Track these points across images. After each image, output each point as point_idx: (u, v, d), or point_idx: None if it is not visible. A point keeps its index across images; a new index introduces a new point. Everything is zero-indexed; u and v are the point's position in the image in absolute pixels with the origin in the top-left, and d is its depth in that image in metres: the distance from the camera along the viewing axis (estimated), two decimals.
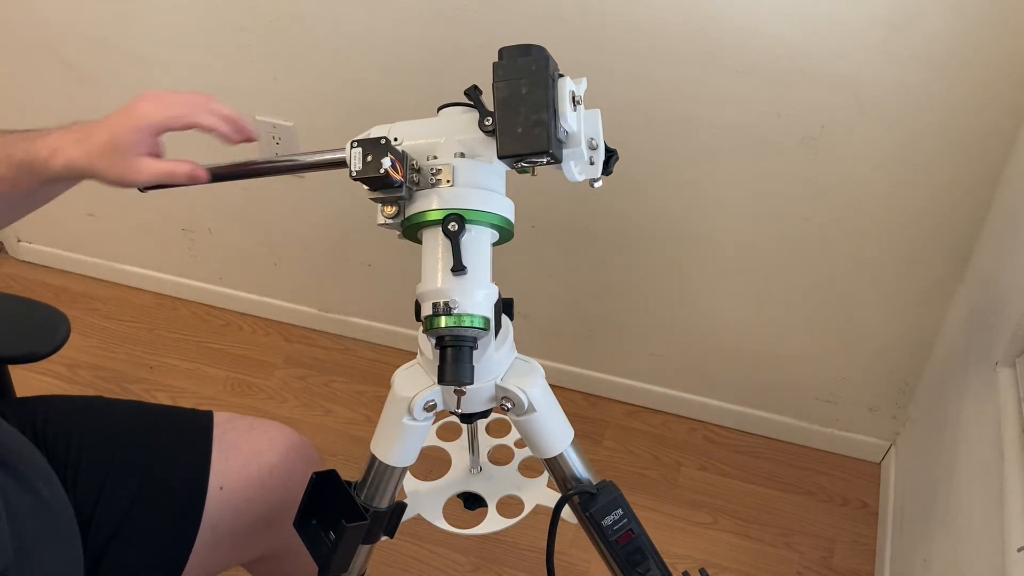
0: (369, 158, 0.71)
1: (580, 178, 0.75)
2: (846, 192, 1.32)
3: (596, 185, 0.77)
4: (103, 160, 0.77)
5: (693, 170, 1.38)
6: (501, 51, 0.71)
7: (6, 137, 0.81)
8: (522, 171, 0.75)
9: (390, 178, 0.72)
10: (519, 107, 0.69)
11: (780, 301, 1.51)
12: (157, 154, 0.79)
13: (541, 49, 0.70)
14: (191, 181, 0.80)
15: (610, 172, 0.77)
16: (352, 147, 0.72)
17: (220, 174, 0.83)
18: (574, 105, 0.71)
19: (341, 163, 0.79)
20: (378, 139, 0.72)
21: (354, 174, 0.72)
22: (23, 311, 0.96)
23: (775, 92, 1.24)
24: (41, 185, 0.80)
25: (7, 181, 0.80)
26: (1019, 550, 0.80)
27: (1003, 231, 1.18)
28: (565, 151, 0.72)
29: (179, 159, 0.79)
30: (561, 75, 0.71)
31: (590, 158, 0.74)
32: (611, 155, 0.77)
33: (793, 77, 1.21)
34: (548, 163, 0.71)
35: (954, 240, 1.32)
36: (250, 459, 0.95)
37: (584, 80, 0.74)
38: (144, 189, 0.83)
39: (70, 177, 0.80)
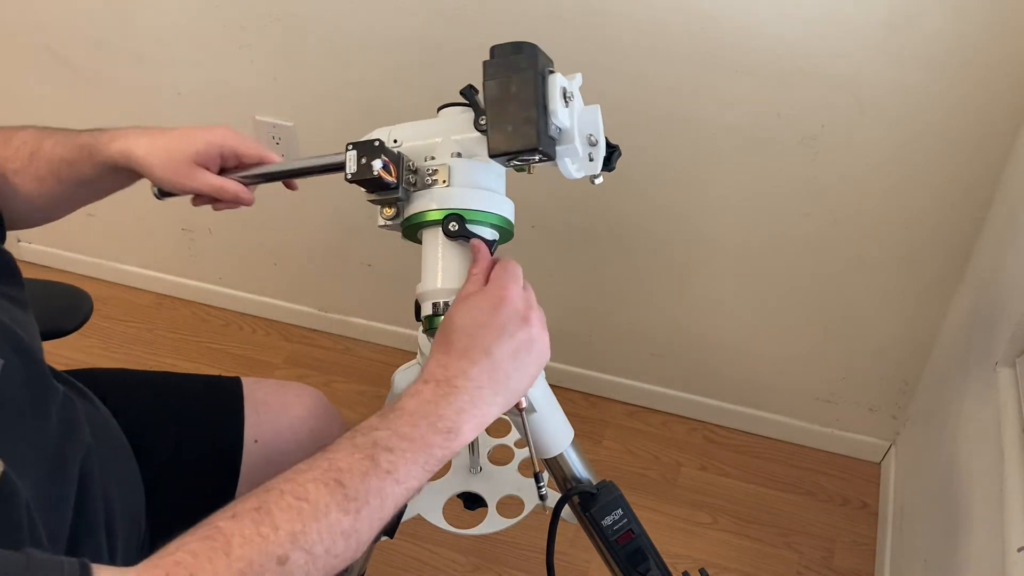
0: (363, 160, 0.71)
1: (578, 175, 0.75)
2: (846, 192, 1.32)
3: (596, 182, 0.76)
4: (161, 156, 0.81)
5: (693, 170, 1.38)
6: (492, 49, 0.71)
7: (80, 130, 0.85)
8: (519, 169, 0.74)
9: (383, 180, 0.72)
10: (508, 105, 0.69)
11: (780, 301, 1.51)
12: (211, 170, 0.83)
13: (532, 46, 0.70)
14: (236, 202, 0.85)
15: (612, 168, 0.77)
16: (348, 149, 0.72)
17: (261, 179, 0.87)
18: (565, 101, 0.70)
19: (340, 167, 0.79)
20: (371, 141, 0.72)
21: (349, 176, 0.72)
22: (45, 291, 0.98)
23: (775, 92, 1.24)
24: (97, 170, 0.83)
25: (67, 162, 0.83)
26: (1019, 550, 0.80)
27: (1003, 231, 1.18)
28: (559, 148, 0.71)
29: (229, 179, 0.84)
30: (552, 71, 0.70)
31: (588, 154, 0.73)
32: (613, 151, 0.76)
33: (793, 77, 1.21)
34: (540, 160, 0.71)
35: (954, 240, 1.32)
36: (280, 414, 0.99)
37: (579, 76, 0.73)
38: (162, 196, 0.86)
39: (124, 166, 0.82)
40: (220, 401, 0.99)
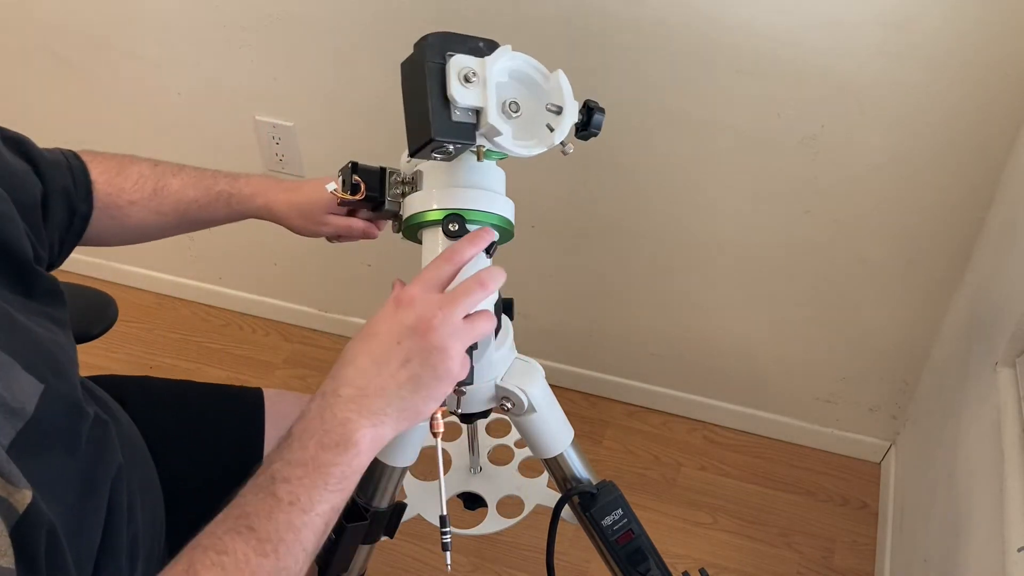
0: (343, 181, 0.80)
1: (534, 151, 0.71)
2: (846, 192, 1.32)
3: (568, 150, 0.72)
4: (298, 211, 0.91)
5: (693, 170, 1.38)
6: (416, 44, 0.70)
7: (205, 171, 0.91)
8: (486, 157, 0.72)
9: (349, 200, 0.80)
10: (410, 103, 0.68)
11: (780, 301, 1.51)
12: (337, 213, 0.91)
13: (430, 36, 0.68)
14: (364, 236, 0.92)
15: (595, 132, 0.73)
16: (336, 178, 0.81)
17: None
18: (465, 81, 0.67)
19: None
20: (347, 164, 0.79)
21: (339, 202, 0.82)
22: (70, 295, 0.99)
23: (775, 92, 1.24)
24: (231, 216, 0.91)
25: (199, 204, 0.89)
26: (1019, 550, 0.80)
27: (1003, 231, 1.18)
28: (480, 131, 0.68)
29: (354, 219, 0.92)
30: (452, 54, 0.68)
31: (548, 124, 0.70)
32: (591, 113, 0.73)
33: (793, 77, 1.21)
34: (461, 148, 0.68)
35: (954, 240, 1.32)
36: None
37: (504, 49, 0.70)
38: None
39: (261, 217, 0.92)
40: (242, 415, 0.98)
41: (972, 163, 1.22)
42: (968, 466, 1.09)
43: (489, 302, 0.69)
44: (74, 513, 0.61)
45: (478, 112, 0.68)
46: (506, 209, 0.76)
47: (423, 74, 0.66)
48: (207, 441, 0.94)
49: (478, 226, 0.74)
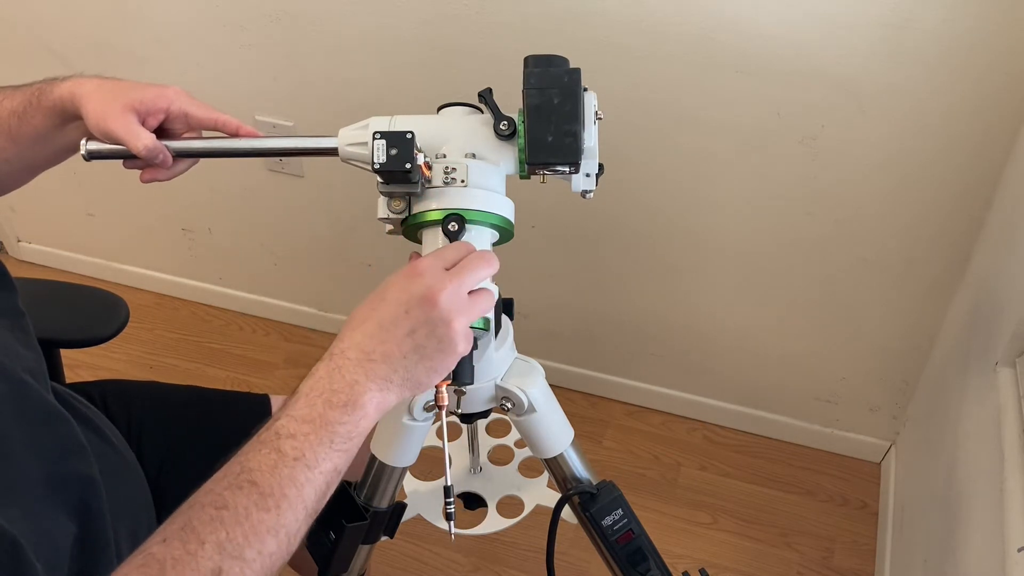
0: (394, 151, 0.70)
1: (581, 188, 0.77)
2: (846, 192, 1.32)
3: (589, 196, 0.79)
4: (103, 95, 0.78)
5: (693, 170, 1.38)
6: (528, 59, 0.73)
7: (38, 85, 0.82)
8: (524, 176, 0.76)
9: (418, 174, 0.71)
10: (550, 116, 0.71)
11: (780, 301, 1.51)
12: (146, 125, 0.79)
13: (564, 59, 0.73)
14: (149, 158, 0.78)
15: (596, 184, 0.79)
16: (375, 138, 0.70)
17: (196, 152, 0.82)
18: (595, 120, 0.73)
19: (330, 152, 0.79)
20: (403, 133, 0.70)
21: (377, 165, 0.70)
22: (81, 297, 0.98)
23: (775, 92, 1.24)
24: (47, 118, 0.79)
25: (16, 114, 0.80)
26: (1019, 550, 0.80)
27: (1003, 231, 1.18)
28: (581, 163, 0.74)
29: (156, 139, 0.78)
30: (586, 89, 0.73)
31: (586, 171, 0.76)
32: (600, 167, 0.79)
33: (793, 77, 1.21)
34: (569, 172, 0.74)
35: (954, 240, 1.32)
36: None
37: (594, 95, 0.75)
38: (90, 157, 0.80)
39: (72, 110, 0.79)
40: (247, 423, 0.97)
41: (972, 163, 1.22)
42: (968, 466, 1.09)
43: (491, 285, 0.71)
44: (38, 520, 0.60)
45: (586, 147, 0.73)
46: (506, 209, 0.76)
47: (577, 96, 0.71)
48: (212, 449, 0.91)
49: (478, 226, 0.74)
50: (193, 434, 0.93)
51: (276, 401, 1.00)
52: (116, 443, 0.84)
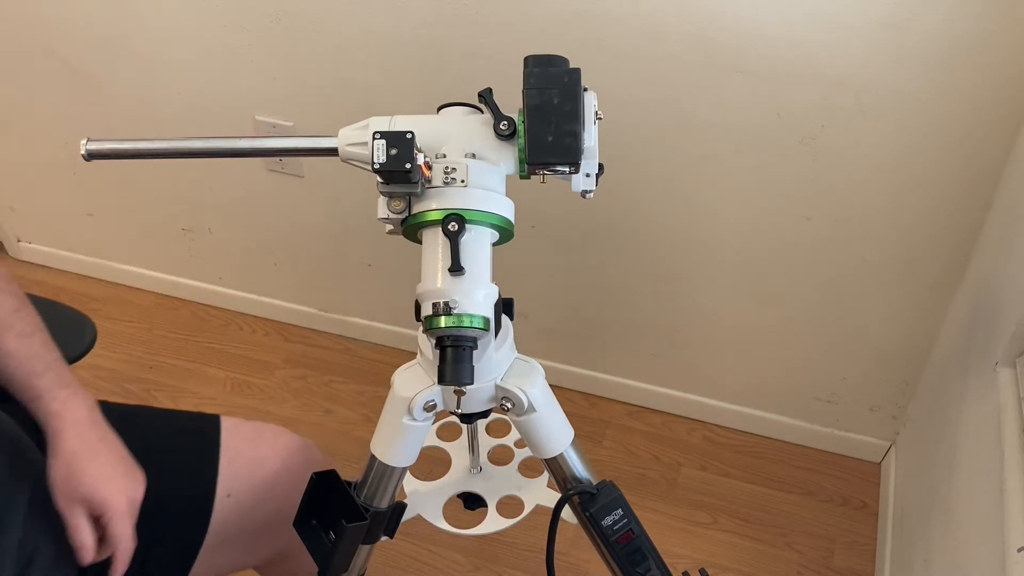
0: (394, 151, 0.70)
1: (581, 188, 0.78)
2: (846, 192, 1.32)
3: (589, 196, 0.78)
4: (73, 464, 0.78)
5: (693, 170, 1.38)
6: (528, 59, 0.72)
7: (46, 354, 0.83)
8: (524, 177, 0.76)
9: (418, 174, 0.71)
10: (550, 116, 0.71)
11: (780, 301, 1.51)
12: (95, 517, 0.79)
13: (564, 59, 0.72)
14: (80, 557, 0.79)
15: (596, 184, 0.80)
16: (375, 138, 0.70)
17: (196, 152, 0.80)
18: (595, 120, 0.73)
19: (330, 152, 0.78)
20: (403, 133, 0.70)
21: (377, 165, 0.70)
22: (46, 314, 0.96)
23: (775, 92, 1.24)
24: (29, 401, 0.81)
25: (6, 374, 0.81)
26: (1019, 550, 0.80)
27: (1003, 231, 1.18)
28: (581, 163, 0.74)
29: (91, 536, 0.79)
30: (586, 89, 0.72)
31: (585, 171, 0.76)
32: (600, 168, 0.79)
33: (793, 77, 1.21)
34: (569, 172, 0.74)
35: (954, 240, 1.32)
36: (256, 466, 0.96)
37: (594, 95, 0.75)
38: (89, 158, 0.79)
39: (45, 426, 0.80)
40: (196, 448, 0.95)
41: (972, 163, 1.22)
42: (968, 466, 1.09)
43: (492, 285, 0.74)
44: None
45: (586, 147, 0.73)
46: (506, 209, 0.76)
47: (577, 96, 0.71)
48: (159, 475, 0.87)
49: (478, 226, 0.74)
50: (139, 459, 0.87)
51: (226, 423, 0.97)
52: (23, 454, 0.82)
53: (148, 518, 0.86)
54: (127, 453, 0.83)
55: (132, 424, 0.93)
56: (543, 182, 0.77)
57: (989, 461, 0.97)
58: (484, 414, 0.86)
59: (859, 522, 1.60)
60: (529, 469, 1.02)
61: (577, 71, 0.72)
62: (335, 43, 1.43)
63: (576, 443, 0.88)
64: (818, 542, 1.56)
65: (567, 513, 0.91)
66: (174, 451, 0.95)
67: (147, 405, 1.01)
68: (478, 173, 0.74)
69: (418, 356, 0.85)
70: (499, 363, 0.81)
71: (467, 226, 0.73)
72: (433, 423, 0.98)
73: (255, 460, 0.96)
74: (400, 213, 0.75)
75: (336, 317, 1.92)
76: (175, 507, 0.91)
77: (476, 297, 0.73)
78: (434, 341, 0.75)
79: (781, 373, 1.63)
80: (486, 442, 1.05)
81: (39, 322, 0.85)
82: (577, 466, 0.89)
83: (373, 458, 0.87)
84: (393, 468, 0.87)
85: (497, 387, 0.82)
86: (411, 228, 0.76)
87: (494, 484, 1.01)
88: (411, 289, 0.75)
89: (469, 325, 0.71)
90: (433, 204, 0.74)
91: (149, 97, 1.64)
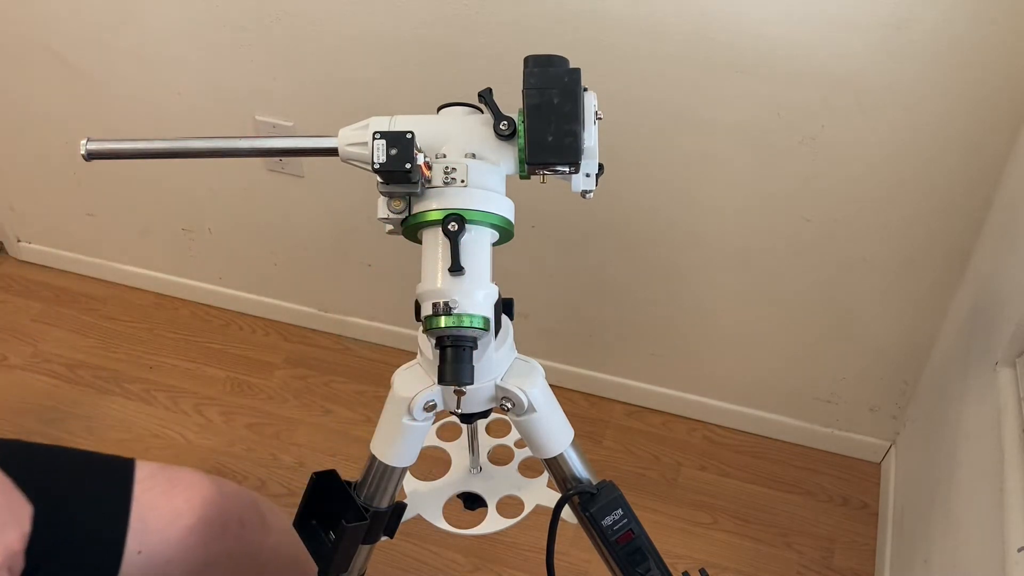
0: (394, 151, 0.70)
1: (581, 188, 0.78)
2: (846, 192, 1.32)
3: (589, 196, 0.78)
4: None
5: (693, 170, 1.38)
6: (527, 59, 0.72)
7: None
8: (524, 177, 0.75)
9: (418, 174, 0.71)
10: (550, 116, 0.71)
11: (780, 301, 1.51)
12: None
13: (564, 59, 0.72)
14: None
15: (596, 184, 0.80)
16: (375, 138, 0.70)
17: (196, 152, 0.79)
18: (595, 120, 0.73)
19: (330, 152, 0.78)
20: (403, 133, 0.70)
21: (377, 165, 0.70)
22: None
23: (775, 92, 1.24)
24: None
25: None
26: (1019, 550, 0.80)
27: (1003, 231, 1.18)
28: (581, 163, 0.74)
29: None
30: (586, 89, 0.72)
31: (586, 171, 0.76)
32: (600, 167, 0.79)
33: (793, 77, 1.22)
34: (569, 172, 0.74)
35: (954, 240, 1.32)
36: (169, 521, 0.91)
37: (594, 95, 0.75)
38: (89, 158, 0.77)
39: None
40: (107, 498, 0.89)
41: (972, 162, 1.22)
42: (968, 466, 1.09)
43: (492, 285, 0.73)
44: None
45: (586, 147, 0.73)
46: (506, 209, 0.76)
47: (577, 96, 0.71)
48: (64, 526, 0.83)
49: (478, 226, 0.74)
50: (46, 505, 0.83)
51: (140, 473, 0.91)
52: None
53: (52, 571, 0.82)
54: (10, 484, 0.77)
55: (42, 469, 0.89)
56: (543, 182, 0.77)
57: (989, 461, 0.97)
58: (484, 414, 0.86)
59: (859, 522, 1.60)
60: (529, 469, 1.02)
61: (577, 71, 0.72)
62: (335, 43, 1.43)
63: (576, 443, 0.88)
64: (818, 542, 1.56)
65: (567, 513, 0.90)
66: (83, 501, 0.88)
67: (61, 446, 0.94)
68: (478, 173, 0.74)
69: (418, 356, 0.85)
70: (499, 363, 0.81)
71: (467, 226, 0.73)
72: (433, 423, 0.98)
73: (170, 515, 0.91)
74: (400, 213, 0.75)
75: (336, 317, 1.92)
76: (82, 561, 0.86)
77: (476, 297, 0.73)
78: (434, 341, 0.75)
79: (781, 373, 1.63)
80: (486, 442, 1.05)
81: None
82: (577, 466, 0.89)
83: (373, 458, 0.87)
84: (393, 468, 0.87)
85: (497, 387, 0.82)
86: (411, 228, 0.76)
87: (494, 484, 1.01)
88: (411, 289, 0.75)
89: (469, 325, 0.71)
90: (433, 204, 0.74)
91: (149, 97, 1.64)
